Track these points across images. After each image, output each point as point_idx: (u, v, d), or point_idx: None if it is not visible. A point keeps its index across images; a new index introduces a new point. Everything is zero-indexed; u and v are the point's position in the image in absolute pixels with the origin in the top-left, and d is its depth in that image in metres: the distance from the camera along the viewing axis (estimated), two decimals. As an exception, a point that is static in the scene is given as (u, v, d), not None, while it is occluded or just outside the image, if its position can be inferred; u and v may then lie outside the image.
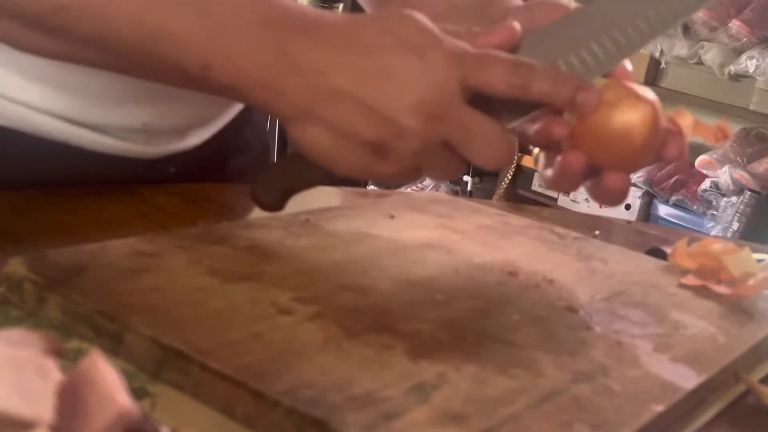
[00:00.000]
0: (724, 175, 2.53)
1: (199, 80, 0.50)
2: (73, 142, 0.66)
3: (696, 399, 0.45)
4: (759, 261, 0.63)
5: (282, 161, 0.58)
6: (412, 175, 0.52)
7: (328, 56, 0.49)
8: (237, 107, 0.79)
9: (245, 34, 0.49)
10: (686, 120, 0.55)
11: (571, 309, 0.53)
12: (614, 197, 0.55)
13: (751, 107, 2.62)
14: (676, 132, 0.55)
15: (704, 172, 2.63)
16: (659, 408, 0.42)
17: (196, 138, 0.74)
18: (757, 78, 2.56)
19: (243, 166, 0.84)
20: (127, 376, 0.39)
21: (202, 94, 0.62)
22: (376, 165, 0.50)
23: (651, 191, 2.78)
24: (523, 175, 3.10)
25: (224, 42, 0.49)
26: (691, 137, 0.55)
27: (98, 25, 0.49)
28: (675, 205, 2.79)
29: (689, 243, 0.65)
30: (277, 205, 0.58)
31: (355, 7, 2.77)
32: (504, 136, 0.50)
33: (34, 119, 0.64)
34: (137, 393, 0.39)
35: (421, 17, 0.50)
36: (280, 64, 0.49)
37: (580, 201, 2.87)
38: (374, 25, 0.50)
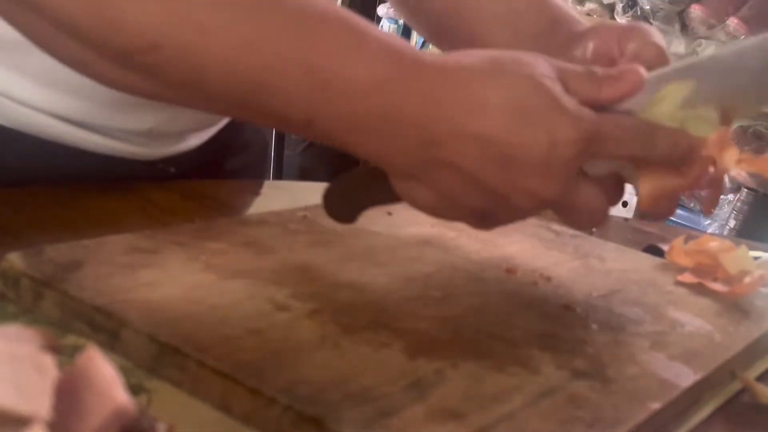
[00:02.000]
0: (721, 173, 2.53)
1: (300, 131, 0.47)
2: (77, 144, 0.66)
3: (692, 397, 0.45)
4: (755, 259, 0.63)
5: (354, 173, 0.55)
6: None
7: (443, 126, 0.44)
8: None
9: (354, 94, 0.44)
10: (729, 155, 0.51)
11: (569, 306, 0.53)
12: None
13: (749, 105, 2.62)
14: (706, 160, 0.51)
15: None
16: (656, 406, 0.42)
17: (196, 139, 0.75)
18: (755, 76, 2.56)
19: (242, 164, 0.84)
20: (124, 373, 0.39)
21: None
22: (477, 224, 0.49)
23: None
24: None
25: (331, 101, 0.44)
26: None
27: (194, 70, 0.44)
28: (672, 203, 2.78)
29: (686, 241, 0.65)
30: (349, 217, 0.55)
31: (353, 3, 2.76)
32: (605, 208, 0.49)
33: (40, 121, 0.64)
34: (134, 389, 0.39)
35: (547, 81, 0.46)
36: (390, 129, 0.44)
37: (578, 198, 2.87)
38: (499, 91, 0.45)
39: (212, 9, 0.42)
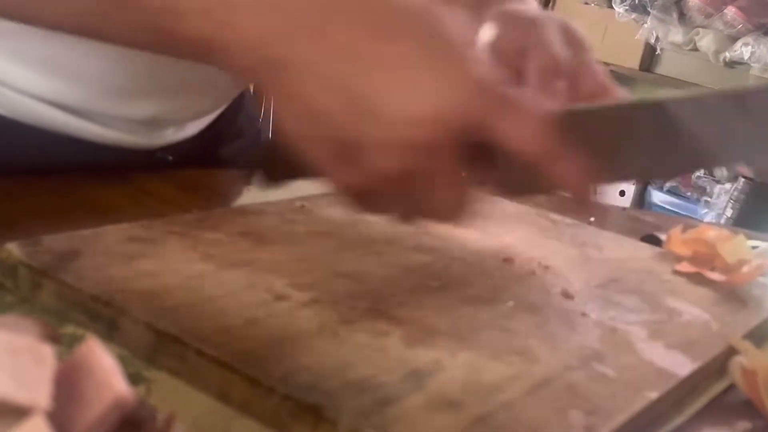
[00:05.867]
0: (718, 162, 2.54)
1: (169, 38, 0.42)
2: (77, 134, 0.66)
3: (690, 386, 0.45)
4: (753, 248, 0.63)
5: (266, 148, 0.54)
6: (369, 201, 0.45)
7: (343, 33, 0.40)
8: (233, 96, 0.80)
9: None
10: None
11: (566, 296, 0.53)
12: None
13: (746, 94, 2.62)
14: None
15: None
16: (653, 395, 0.42)
17: (194, 127, 0.75)
18: (752, 65, 2.56)
19: (236, 152, 0.85)
20: (123, 362, 0.39)
21: (209, 87, 0.59)
22: (336, 167, 0.42)
23: (645, 178, 2.78)
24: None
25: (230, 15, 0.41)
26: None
27: None
28: (669, 192, 2.80)
29: (684, 230, 0.65)
30: (273, 184, 0.53)
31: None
32: (465, 205, 0.43)
33: (39, 110, 0.64)
34: (133, 379, 0.39)
35: (458, 21, 0.42)
36: (286, 30, 0.41)
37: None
38: (408, 12, 0.41)
39: None
